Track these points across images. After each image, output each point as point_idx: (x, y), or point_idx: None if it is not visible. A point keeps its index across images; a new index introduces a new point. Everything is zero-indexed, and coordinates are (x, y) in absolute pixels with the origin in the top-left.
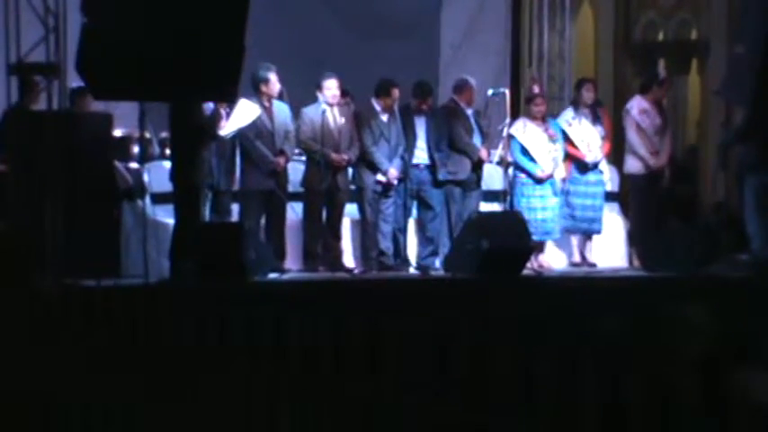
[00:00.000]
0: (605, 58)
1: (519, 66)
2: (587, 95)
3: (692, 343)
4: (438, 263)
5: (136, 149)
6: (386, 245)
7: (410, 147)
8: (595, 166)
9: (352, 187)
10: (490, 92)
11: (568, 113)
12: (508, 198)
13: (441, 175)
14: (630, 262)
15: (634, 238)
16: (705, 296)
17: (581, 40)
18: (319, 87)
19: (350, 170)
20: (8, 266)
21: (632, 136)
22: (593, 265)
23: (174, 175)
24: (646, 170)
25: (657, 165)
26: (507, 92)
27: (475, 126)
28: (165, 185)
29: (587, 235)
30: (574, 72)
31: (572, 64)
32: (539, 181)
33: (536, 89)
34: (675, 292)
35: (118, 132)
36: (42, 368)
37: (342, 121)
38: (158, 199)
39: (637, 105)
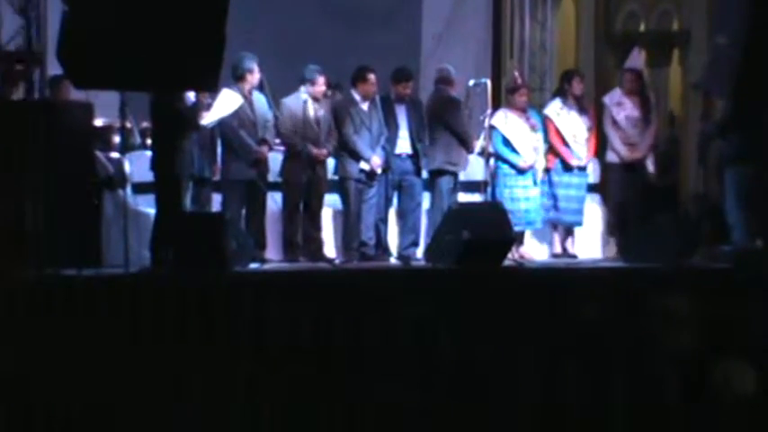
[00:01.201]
0: (586, 48)
1: (500, 56)
2: (577, 87)
3: (675, 334)
4: (419, 253)
5: (117, 139)
6: (368, 235)
7: (392, 137)
8: (582, 168)
9: (335, 177)
10: (471, 82)
11: (556, 104)
12: (489, 189)
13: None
14: (605, 253)
15: (611, 229)
16: (686, 287)
17: (562, 31)
18: (307, 81)
19: (332, 161)
20: None
21: (607, 128)
22: (574, 257)
23: (155, 164)
24: (621, 161)
25: (634, 157)
26: (489, 82)
27: None
28: (146, 175)
29: (569, 227)
30: (556, 63)
31: (553, 55)
32: (521, 171)
33: (519, 80)
34: (657, 284)
35: (98, 122)
36: (25, 356)
37: (321, 112)
38: (139, 189)
39: (612, 98)
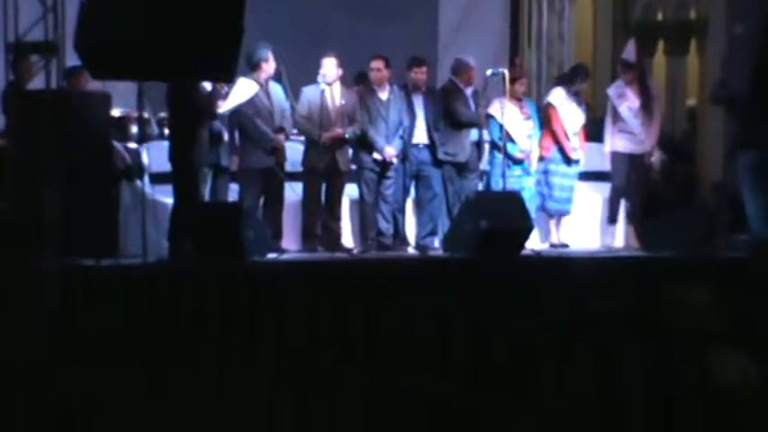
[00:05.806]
0: (604, 38)
1: (518, 46)
2: (581, 87)
3: (692, 323)
4: (437, 242)
5: (134, 129)
6: (385, 225)
7: (409, 127)
8: (576, 161)
9: (353, 167)
10: (489, 72)
11: (561, 93)
12: (485, 178)
13: (440, 155)
14: (603, 242)
15: (611, 216)
16: (704, 277)
17: (580, 21)
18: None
19: (350, 150)
20: (7, 247)
21: (608, 120)
22: (566, 246)
23: (173, 154)
24: (626, 152)
25: (640, 149)
26: (506, 72)
27: (473, 106)
28: (163, 165)
29: (559, 216)
30: (573, 53)
31: (571, 45)
32: (516, 161)
33: (520, 69)
34: (675, 273)
35: (116, 112)
36: (42, 348)
37: (342, 102)
38: (157, 179)
39: (615, 90)
